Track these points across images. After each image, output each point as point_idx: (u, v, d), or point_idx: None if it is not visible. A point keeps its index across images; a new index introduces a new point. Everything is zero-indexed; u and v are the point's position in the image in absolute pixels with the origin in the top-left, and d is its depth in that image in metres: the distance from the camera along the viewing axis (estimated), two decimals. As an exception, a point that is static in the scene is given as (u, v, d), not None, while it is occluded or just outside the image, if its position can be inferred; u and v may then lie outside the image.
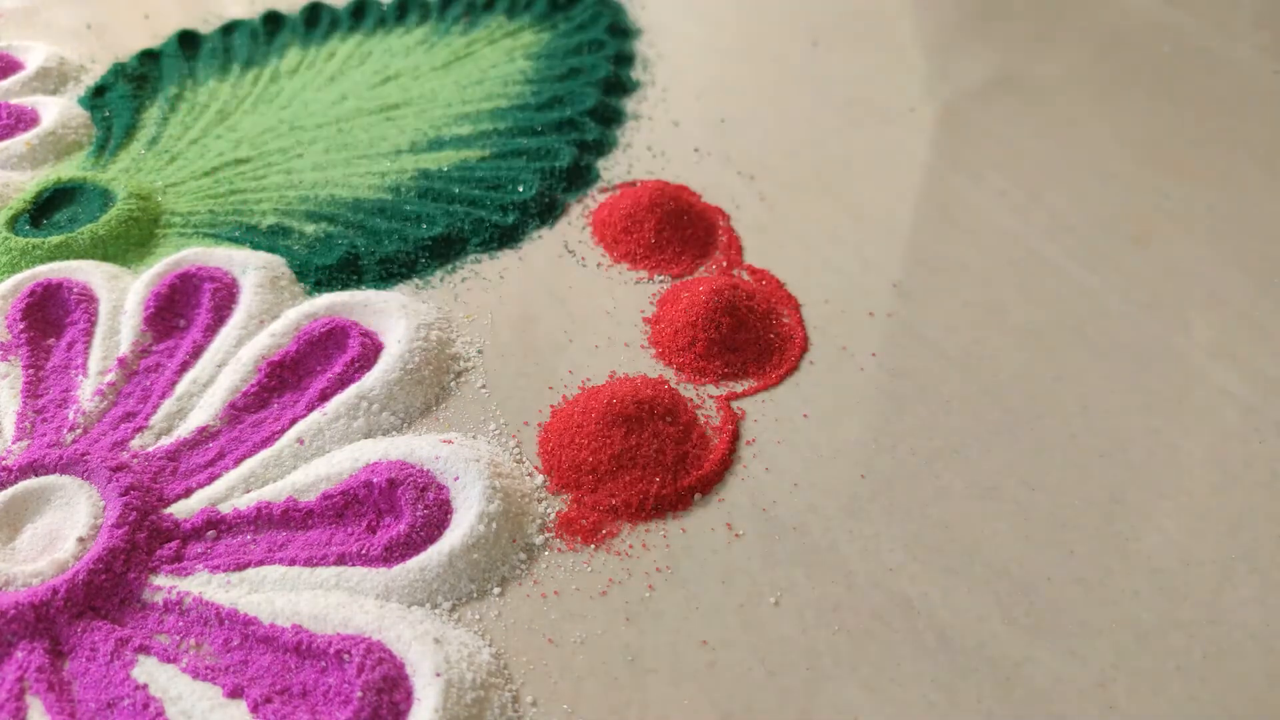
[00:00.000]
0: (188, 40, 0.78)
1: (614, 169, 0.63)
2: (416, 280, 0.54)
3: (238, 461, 0.43)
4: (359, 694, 0.33)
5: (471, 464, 0.41)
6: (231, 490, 0.42)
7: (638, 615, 0.37)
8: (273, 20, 0.81)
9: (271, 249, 0.55)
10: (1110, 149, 0.63)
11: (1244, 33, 0.74)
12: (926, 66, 0.73)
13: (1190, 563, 0.39)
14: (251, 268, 0.53)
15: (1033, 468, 0.43)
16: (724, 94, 0.71)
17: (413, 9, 0.83)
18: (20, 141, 0.64)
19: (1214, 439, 0.44)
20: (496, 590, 0.38)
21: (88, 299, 0.51)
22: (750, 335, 0.48)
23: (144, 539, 0.39)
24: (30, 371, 0.47)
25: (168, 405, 0.46)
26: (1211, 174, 0.61)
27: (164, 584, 0.38)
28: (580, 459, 0.42)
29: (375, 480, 0.40)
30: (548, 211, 0.59)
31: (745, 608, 0.37)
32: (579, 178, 0.62)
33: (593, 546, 0.40)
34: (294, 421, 0.45)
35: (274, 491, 0.41)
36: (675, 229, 0.56)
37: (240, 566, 0.39)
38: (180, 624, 0.37)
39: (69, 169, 0.63)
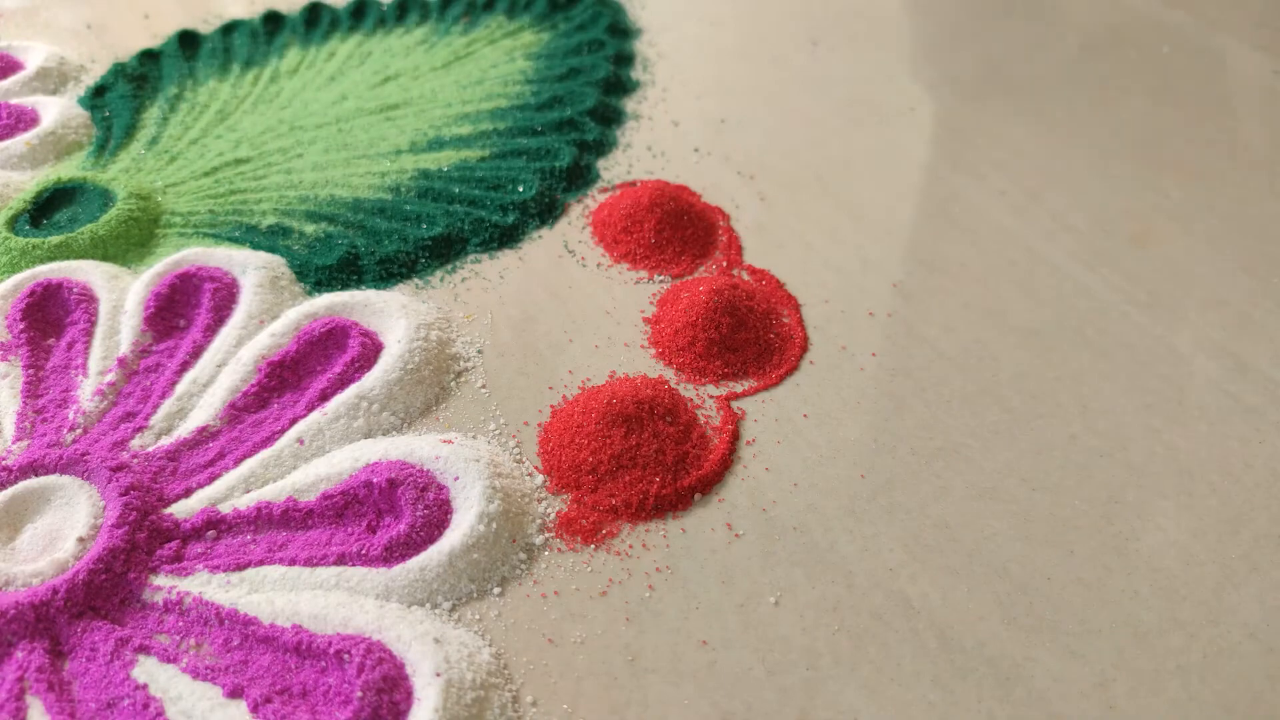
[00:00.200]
0: (188, 40, 0.78)
1: (614, 169, 0.63)
2: (416, 280, 0.54)
3: (238, 461, 0.43)
4: (359, 694, 0.33)
5: (471, 464, 0.41)
6: (231, 490, 0.42)
7: (638, 615, 0.37)
8: (273, 20, 0.81)
9: (271, 249, 0.55)
10: (1110, 149, 0.63)
11: (1244, 33, 0.74)
12: (926, 66, 0.73)
13: (1190, 563, 0.39)
14: (251, 268, 0.53)
15: (1033, 468, 0.43)
16: (724, 94, 0.71)
17: (413, 9, 0.83)
18: (20, 141, 0.64)
19: (1214, 439, 0.44)
20: (496, 590, 0.38)
21: (88, 299, 0.51)
22: (750, 335, 0.48)
23: (144, 539, 0.39)
24: (30, 371, 0.47)
25: (168, 405, 0.46)
26: (1211, 174, 0.61)
27: (164, 584, 0.38)
28: (580, 459, 0.42)
29: (375, 480, 0.40)
30: (548, 211, 0.59)
31: (745, 608, 0.37)
32: (579, 178, 0.62)
33: (593, 546, 0.40)
34: (294, 421, 0.45)
35: (274, 491, 0.41)
36: (675, 229, 0.56)
37: (240, 566, 0.39)
38: (180, 624, 0.37)
39: (69, 169, 0.63)
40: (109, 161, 0.64)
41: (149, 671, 0.35)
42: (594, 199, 0.61)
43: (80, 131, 0.67)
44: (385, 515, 0.40)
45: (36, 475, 0.42)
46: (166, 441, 0.44)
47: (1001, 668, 0.35)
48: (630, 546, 0.40)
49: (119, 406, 0.46)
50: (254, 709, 0.33)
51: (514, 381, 0.48)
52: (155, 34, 0.79)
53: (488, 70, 0.75)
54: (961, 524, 0.40)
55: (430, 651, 0.34)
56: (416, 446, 0.42)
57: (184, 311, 0.51)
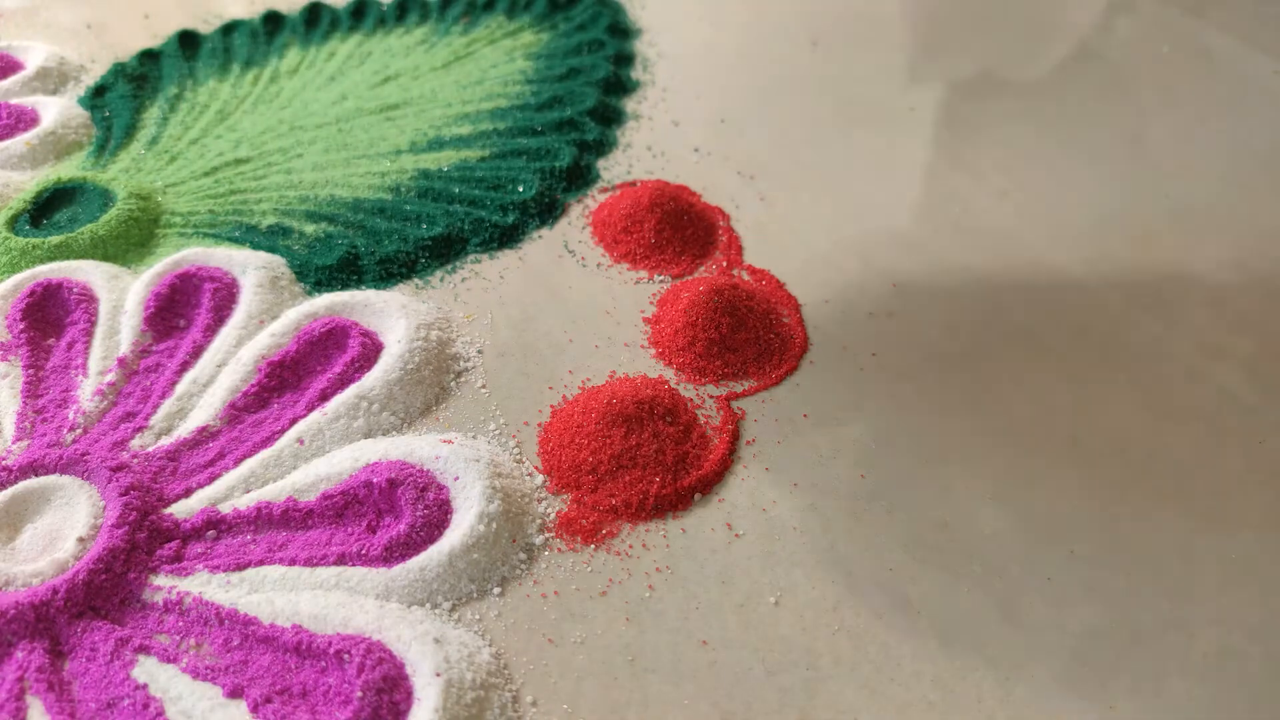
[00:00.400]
0: (188, 40, 0.78)
1: (614, 169, 0.63)
2: (416, 280, 0.54)
3: (238, 461, 0.43)
4: (359, 694, 0.33)
5: (471, 464, 0.41)
6: (231, 490, 0.42)
7: (638, 615, 0.37)
8: (273, 20, 0.81)
9: (271, 249, 0.55)
10: (1110, 149, 0.63)
11: (1244, 33, 0.74)
12: (926, 66, 0.73)
13: (1190, 563, 0.39)
14: (251, 268, 0.53)
15: (1032, 468, 0.43)
16: (724, 94, 0.71)
17: (413, 9, 0.83)
18: (20, 141, 0.64)
19: (1214, 439, 0.44)
20: (496, 590, 0.38)
21: (88, 299, 0.51)
22: (750, 335, 0.48)
23: (144, 539, 0.39)
24: (30, 371, 0.47)
25: (168, 405, 0.46)
26: (1211, 174, 0.61)
27: (164, 584, 0.38)
28: (580, 459, 0.42)
29: (375, 480, 0.40)
30: (548, 211, 0.59)
31: (745, 608, 0.37)
32: (579, 178, 0.62)
33: (593, 546, 0.40)
34: (294, 421, 0.45)
35: (274, 491, 0.41)
36: (675, 229, 0.56)
37: (240, 566, 0.39)
38: (180, 624, 0.37)
39: (69, 169, 0.63)
40: (109, 161, 0.64)
41: (149, 671, 0.35)
42: (594, 199, 0.61)
43: (80, 131, 0.67)
44: (385, 515, 0.40)
45: (36, 475, 0.42)
46: (166, 441, 0.44)
47: (1001, 668, 0.35)
48: (630, 546, 0.40)
49: (119, 406, 0.46)
50: (254, 709, 0.33)
51: (514, 381, 0.48)
52: (155, 34, 0.79)
53: (488, 70, 0.74)
54: (961, 524, 0.40)
55: (430, 651, 0.34)
56: (416, 446, 0.42)
57: (184, 311, 0.51)
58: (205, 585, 0.38)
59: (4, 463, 0.42)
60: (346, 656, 0.34)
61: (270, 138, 0.66)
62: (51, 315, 0.51)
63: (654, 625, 0.37)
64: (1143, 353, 0.49)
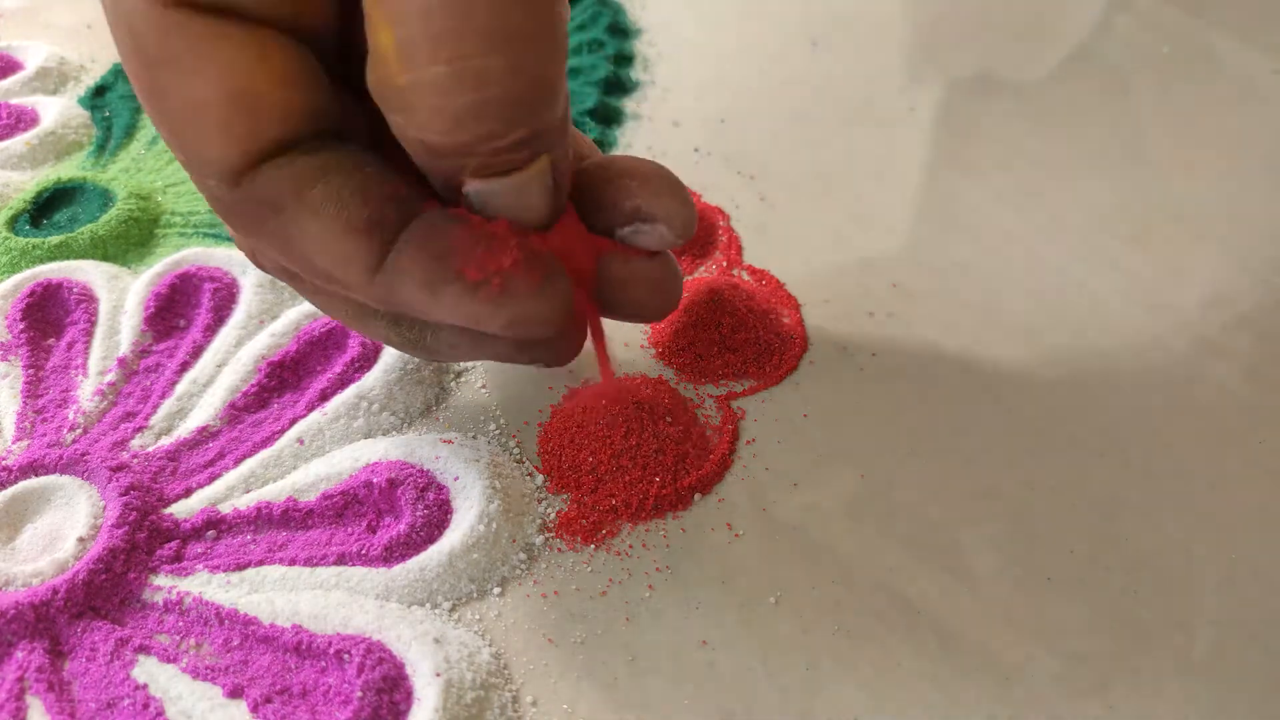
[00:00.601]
0: (188, 40, 0.78)
1: (614, 169, 0.63)
2: (416, 280, 0.54)
3: (238, 461, 0.43)
4: (359, 694, 0.33)
5: (471, 464, 0.41)
6: (231, 490, 0.42)
7: (638, 615, 0.37)
8: (273, 20, 0.81)
9: (271, 249, 0.55)
10: (1110, 149, 0.63)
11: (1244, 33, 0.74)
12: (926, 67, 0.73)
13: (1190, 563, 0.39)
14: (252, 267, 0.52)
15: (1033, 468, 0.43)
16: (724, 94, 0.71)
17: (413, 9, 0.83)
18: (20, 141, 0.64)
19: (1214, 439, 0.44)
20: (496, 590, 0.38)
21: (88, 299, 0.51)
22: (750, 335, 0.48)
23: (144, 539, 0.39)
24: (30, 371, 0.47)
25: (168, 405, 0.46)
26: (1211, 174, 0.61)
27: (164, 584, 0.38)
28: (580, 459, 0.42)
29: (375, 480, 0.40)
30: (548, 211, 0.59)
31: (745, 608, 0.37)
32: (579, 178, 0.62)
33: (593, 546, 0.40)
34: (294, 421, 0.45)
35: (274, 491, 0.41)
36: (675, 229, 0.56)
37: (240, 566, 0.39)
38: (180, 624, 0.37)
39: (69, 169, 0.63)
40: (109, 161, 0.64)
41: (149, 671, 0.35)
42: (594, 199, 0.60)
43: (80, 131, 0.67)
44: (385, 515, 0.40)
45: (36, 475, 0.42)
46: (166, 441, 0.44)
47: (1001, 668, 0.35)
48: (630, 546, 0.40)
49: (119, 406, 0.46)
50: (254, 709, 0.34)
51: (514, 381, 0.47)
52: (155, 34, 0.79)
53: (488, 70, 0.74)
54: (962, 524, 0.40)
55: (430, 651, 0.34)
56: (416, 446, 0.42)
57: (184, 311, 0.51)
58: (205, 585, 0.38)
59: (4, 463, 0.42)
60: (346, 656, 0.34)
61: (270, 138, 0.66)
62: (51, 315, 0.51)
63: (654, 625, 0.37)
64: (1143, 353, 0.49)
